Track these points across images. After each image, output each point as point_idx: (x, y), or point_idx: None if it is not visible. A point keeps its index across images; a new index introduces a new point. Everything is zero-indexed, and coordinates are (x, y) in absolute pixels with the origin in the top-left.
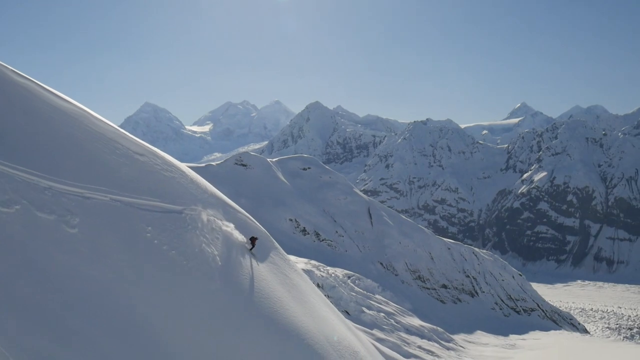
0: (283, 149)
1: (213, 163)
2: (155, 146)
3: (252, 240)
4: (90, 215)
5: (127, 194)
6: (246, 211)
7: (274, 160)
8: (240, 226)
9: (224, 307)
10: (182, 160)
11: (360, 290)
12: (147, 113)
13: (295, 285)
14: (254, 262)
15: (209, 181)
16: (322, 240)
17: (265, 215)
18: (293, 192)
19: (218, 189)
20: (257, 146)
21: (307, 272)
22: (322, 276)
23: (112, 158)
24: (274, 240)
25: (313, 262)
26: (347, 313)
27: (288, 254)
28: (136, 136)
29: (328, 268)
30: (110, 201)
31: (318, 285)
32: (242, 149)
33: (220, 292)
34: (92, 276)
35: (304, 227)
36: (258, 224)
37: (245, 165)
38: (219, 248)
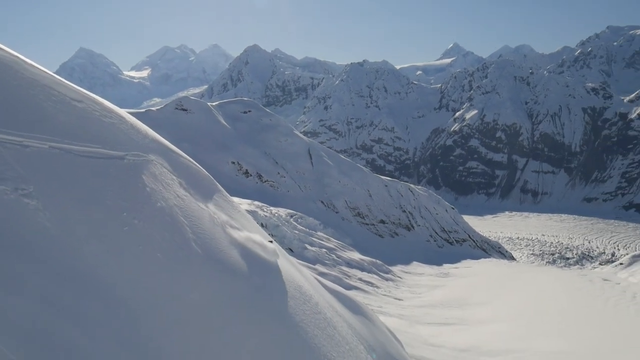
0: (223, 92)
1: (153, 108)
2: (93, 93)
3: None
4: (38, 170)
5: (67, 141)
6: (189, 155)
7: (214, 104)
8: (183, 170)
9: (168, 246)
10: (121, 106)
11: (303, 228)
12: (83, 59)
13: (241, 223)
14: (201, 204)
15: (149, 126)
16: (265, 181)
17: (207, 159)
18: (234, 136)
19: (159, 134)
20: (196, 90)
21: (251, 212)
22: (266, 216)
23: (48, 105)
24: (217, 183)
25: (256, 202)
26: (290, 250)
27: (231, 196)
28: (73, 83)
29: (271, 208)
30: (50, 149)
31: (262, 225)
32: (181, 94)
33: (166, 230)
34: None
35: (247, 170)
36: (201, 167)
37: (185, 110)
38: (166, 192)
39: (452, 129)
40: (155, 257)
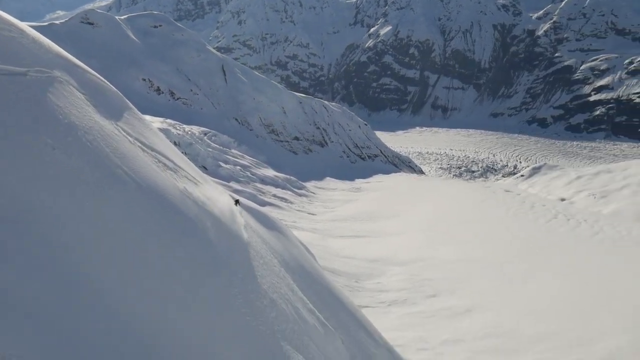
0: (132, 5)
1: (56, 22)
2: None
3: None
4: None
5: None
6: (97, 72)
7: (122, 17)
8: (91, 87)
9: (97, 176)
10: (21, 20)
11: (217, 145)
12: None
13: (153, 142)
14: (108, 123)
15: (53, 41)
16: (177, 99)
17: (117, 75)
18: (144, 51)
19: (64, 50)
20: (103, 3)
21: (164, 130)
22: (179, 134)
23: None
24: (128, 101)
25: (169, 120)
26: (204, 168)
27: (143, 114)
28: None
29: (184, 126)
30: None
31: (175, 143)
32: (88, 6)
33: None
34: None
35: (158, 87)
36: (110, 84)
37: (91, 24)
38: (78, 112)
39: (366, 45)
40: (86, 189)
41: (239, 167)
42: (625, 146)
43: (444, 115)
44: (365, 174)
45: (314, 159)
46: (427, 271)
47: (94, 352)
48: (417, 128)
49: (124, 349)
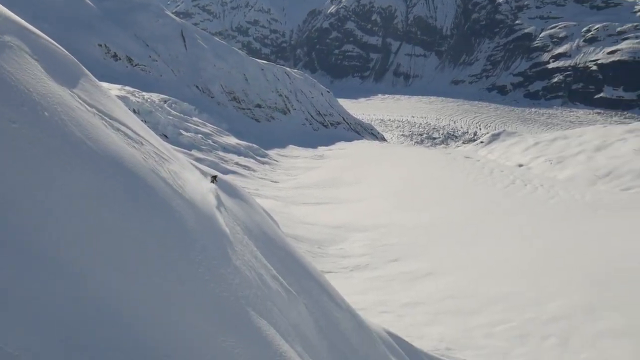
0: None
1: None
2: None
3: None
4: None
5: None
6: (50, 38)
7: None
8: (45, 54)
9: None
10: None
11: (177, 113)
12: None
13: (112, 110)
14: (64, 90)
15: (2, 4)
16: (135, 65)
17: (72, 41)
18: (101, 16)
19: (14, 14)
20: None
21: (122, 98)
22: (138, 102)
23: None
24: (84, 68)
25: (127, 88)
26: (165, 136)
27: (100, 81)
28: None
29: (143, 93)
30: None
31: (134, 111)
32: None
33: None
34: None
35: (115, 53)
36: (64, 50)
37: None
38: (34, 81)
39: (328, 11)
40: (47, 162)
41: (200, 135)
42: (581, 113)
43: (406, 83)
44: (328, 141)
45: (276, 126)
46: (388, 236)
47: (54, 317)
48: (380, 95)
49: (88, 317)
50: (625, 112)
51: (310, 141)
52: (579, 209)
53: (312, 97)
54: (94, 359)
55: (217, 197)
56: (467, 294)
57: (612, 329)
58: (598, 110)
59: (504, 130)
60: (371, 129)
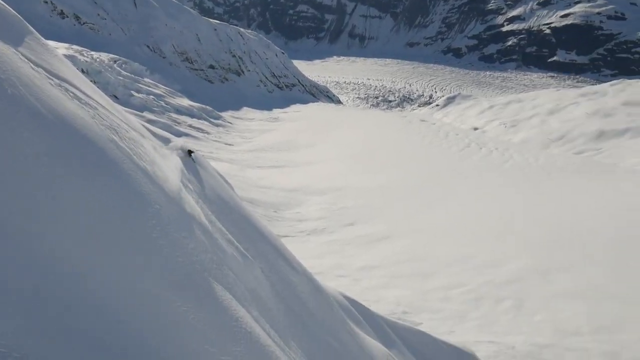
0: None
1: None
2: None
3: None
4: None
5: None
6: None
7: None
8: None
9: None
10: None
11: (128, 74)
12: None
13: (60, 69)
14: (8, 48)
15: None
16: (83, 23)
17: None
18: None
19: None
20: None
21: (70, 57)
22: (87, 61)
23: None
24: (29, 25)
25: (75, 47)
26: (115, 97)
27: (46, 39)
28: None
29: (92, 53)
30: None
31: (83, 71)
32: None
33: None
34: None
35: (62, 10)
36: (7, 6)
37: None
38: None
39: None
40: None
41: (152, 97)
42: (535, 76)
43: (361, 45)
44: (283, 103)
45: (230, 88)
46: (345, 199)
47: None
48: (335, 57)
49: (38, 279)
50: (577, 76)
51: (265, 103)
52: (533, 173)
53: (267, 59)
54: (45, 317)
55: (172, 162)
56: (423, 257)
57: (565, 291)
58: (551, 74)
59: (459, 94)
60: (327, 92)
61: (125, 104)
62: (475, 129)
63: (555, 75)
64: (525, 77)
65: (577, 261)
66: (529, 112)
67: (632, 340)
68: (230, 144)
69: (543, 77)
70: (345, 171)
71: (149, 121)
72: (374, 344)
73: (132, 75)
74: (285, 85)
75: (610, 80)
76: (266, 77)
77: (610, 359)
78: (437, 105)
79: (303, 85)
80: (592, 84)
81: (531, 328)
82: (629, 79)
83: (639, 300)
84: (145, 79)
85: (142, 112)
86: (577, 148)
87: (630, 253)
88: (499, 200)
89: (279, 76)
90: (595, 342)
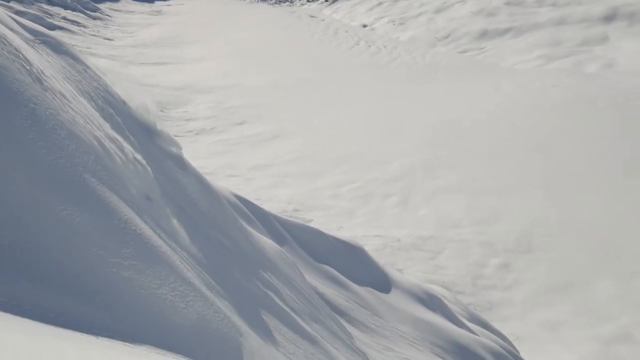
0: None
1: None
2: None
3: None
4: None
5: None
6: None
7: None
8: None
9: None
10: None
11: None
12: None
13: None
14: None
15: None
16: None
17: None
18: None
19: None
20: None
21: None
22: None
23: None
24: None
25: None
26: None
27: None
28: None
29: None
30: None
31: None
32: None
33: None
34: None
35: None
36: None
37: None
38: None
39: None
40: None
41: None
42: None
43: None
44: None
45: None
46: (234, 98)
47: None
48: None
49: None
50: None
51: None
52: (420, 72)
53: None
54: None
55: (46, 55)
56: (313, 155)
57: (448, 186)
58: None
59: None
60: None
61: None
62: (365, 26)
63: None
64: None
65: (458, 158)
66: (417, 10)
67: (505, 231)
68: (110, 39)
69: None
70: (233, 68)
71: (18, 12)
72: (266, 241)
73: None
74: None
75: None
76: None
77: (487, 249)
78: (326, 0)
79: None
80: None
81: (415, 222)
82: None
83: (512, 193)
84: None
85: (9, 2)
86: (462, 47)
87: (506, 149)
88: (386, 100)
89: None
90: (473, 234)
